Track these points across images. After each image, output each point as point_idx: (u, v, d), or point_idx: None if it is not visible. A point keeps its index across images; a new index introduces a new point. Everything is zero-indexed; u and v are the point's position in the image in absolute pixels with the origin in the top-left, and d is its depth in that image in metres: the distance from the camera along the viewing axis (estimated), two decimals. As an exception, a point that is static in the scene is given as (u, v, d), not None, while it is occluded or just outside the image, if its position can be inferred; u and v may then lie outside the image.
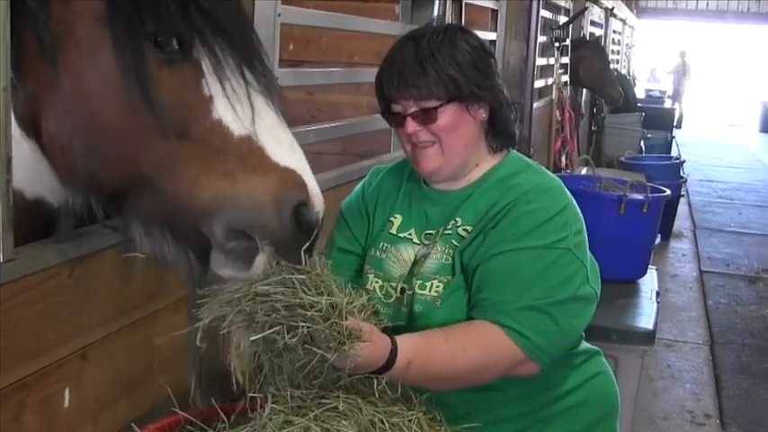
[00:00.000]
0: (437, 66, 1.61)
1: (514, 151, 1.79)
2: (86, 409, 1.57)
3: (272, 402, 1.44)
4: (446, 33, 1.67)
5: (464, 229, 1.67)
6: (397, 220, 1.76)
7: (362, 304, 1.48)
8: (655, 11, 19.76)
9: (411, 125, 1.64)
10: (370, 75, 2.98)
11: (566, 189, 1.72)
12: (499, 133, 1.72)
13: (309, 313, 1.36)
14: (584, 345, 1.80)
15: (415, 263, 1.69)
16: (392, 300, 1.69)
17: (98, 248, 1.56)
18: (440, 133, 1.64)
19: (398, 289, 1.69)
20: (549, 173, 1.78)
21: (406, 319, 1.66)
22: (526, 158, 1.80)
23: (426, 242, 1.71)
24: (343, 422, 1.41)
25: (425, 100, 1.62)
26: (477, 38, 1.72)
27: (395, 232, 1.75)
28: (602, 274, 1.73)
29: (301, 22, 2.33)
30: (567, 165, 6.46)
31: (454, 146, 1.66)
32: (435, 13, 3.06)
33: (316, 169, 1.46)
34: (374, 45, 3.68)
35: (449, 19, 3.18)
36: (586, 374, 1.76)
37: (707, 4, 19.40)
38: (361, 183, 1.88)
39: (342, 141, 3.51)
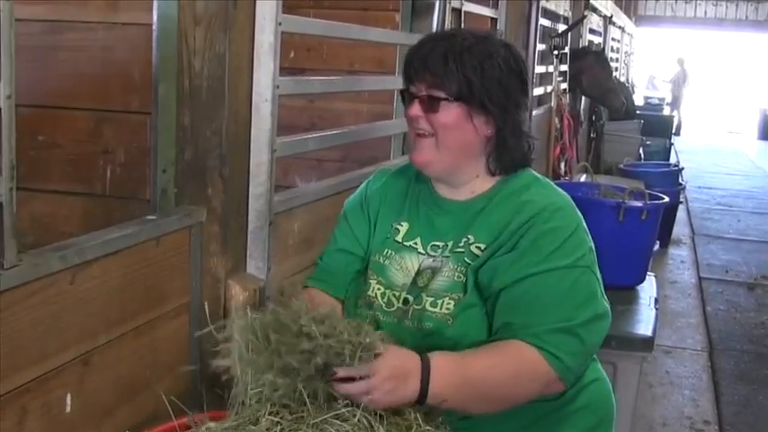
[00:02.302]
0: (460, 63, 1.60)
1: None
2: (88, 415, 1.58)
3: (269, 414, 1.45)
4: (487, 41, 1.66)
5: (477, 247, 1.65)
6: (403, 227, 1.75)
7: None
8: (653, 18, 19.80)
9: (415, 108, 1.64)
10: (369, 83, 3.02)
11: (574, 205, 1.72)
12: (500, 157, 1.69)
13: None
14: None
15: (418, 273, 1.68)
16: (394, 308, 1.68)
17: (100, 255, 1.57)
18: (438, 127, 1.64)
19: (401, 299, 1.68)
20: (558, 188, 1.77)
21: (415, 337, 1.64)
22: (534, 172, 1.78)
23: (432, 253, 1.69)
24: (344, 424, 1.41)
25: (436, 89, 1.62)
26: (519, 61, 1.68)
27: (400, 240, 1.74)
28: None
29: (302, 30, 2.35)
30: (566, 172, 6.47)
31: (448, 145, 1.65)
32: (435, 21, 3.07)
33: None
34: (375, 53, 3.70)
35: (449, 27, 3.19)
36: (585, 381, 1.77)
37: (705, 11, 19.45)
38: (366, 182, 1.87)
39: (343, 148, 3.52)
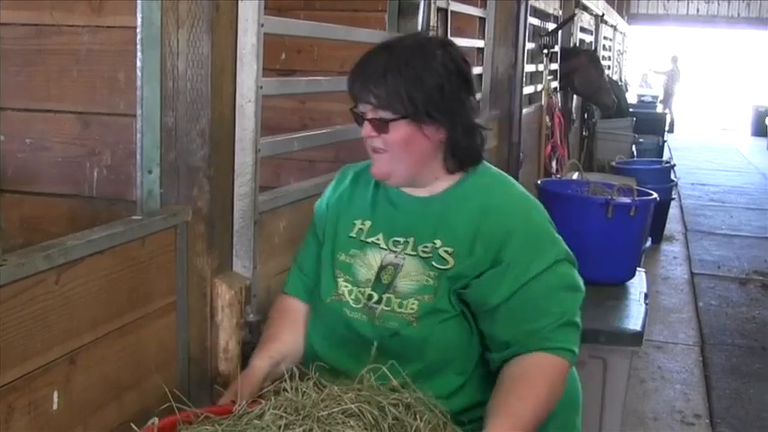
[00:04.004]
0: (400, 80, 1.62)
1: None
2: (75, 413, 1.60)
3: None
4: (424, 48, 1.68)
5: (445, 251, 1.68)
6: (366, 225, 1.78)
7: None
8: (646, 17, 19.82)
9: (367, 129, 1.68)
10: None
11: (531, 195, 1.78)
12: (456, 156, 1.72)
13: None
14: None
15: (381, 268, 1.71)
16: (361, 305, 1.71)
17: (85, 254, 1.59)
18: (390, 145, 1.67)
19: (366, 295, 1.71)
20: (515, 182, 1.81)
21: (382, 336, 1.68)
22: (490, 166, 1.81)
23: (394, 249, 1.72)
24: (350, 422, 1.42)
25: (382, 110, 1.64)
26: (457, 59, 1.70)
27: (363, 238, 1.76)
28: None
29: (284, 31, 2.37)
30: (557, 170, 6.50)
31: (404, 160, 1.68)
32: (420, 21, 3.10)
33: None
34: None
35: (435, 27, 3.22)
36: None
37: (697, 9, 19.48)
38: (332, 183, 1.91)
39: (334, 149, 3.53)
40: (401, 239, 1.73)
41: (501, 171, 1.83)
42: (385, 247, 1.73)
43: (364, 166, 1.85)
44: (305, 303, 1.85)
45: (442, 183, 1.75)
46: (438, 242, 1.69)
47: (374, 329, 1.69)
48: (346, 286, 1.74)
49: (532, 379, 1.61)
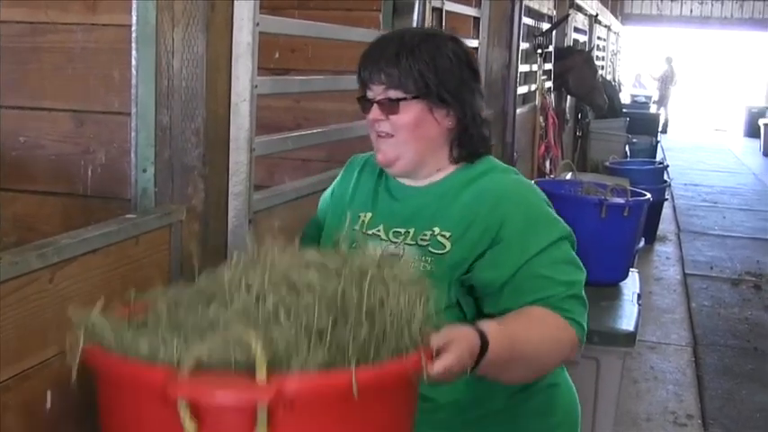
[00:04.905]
0: (412, 60, 1.64)
1: None
2: (68, 412, 1.59)
3: None
4: (434, 37, 1.71)
5: (442, 236, 1.68)
6: (367, 217, 1.78)
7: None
8: (640, 17, 19.88)
9: (375, 112, 1.68)
10: (348, 82, 3.03)
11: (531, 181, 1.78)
12: (463, 146, 1.73)
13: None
14: None
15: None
16: None
17: (79, 253, 1.58)
18: (399, 128, 1.67)
19: None
20: (515, 169, 1.81)
21: None
22: (494, 159, 1.81)
23: (395, 239, 1.72)
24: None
25: (394, 89, 1.65)
26: (465, 51, 1.73)
27: (364, 230, 1.77)
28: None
29: (279, 30, 2.36)
30: (551, 170, 6.50)
31: (411, 144, 1.68)
32: (415, 21, 3.10)
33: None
34: (358, 53, 3.71)
35: (430, 27, 3.22)
36: (541, 384, 1.77)
37: (691, 10, 19.54)
38: (341, 172, 1.92)
39: (328, 148, 3.53)
40: (401, 230, 1.73)
41: (505, 164, 1.84)
42: (385, 238, 1.74)
43: (371, 155, 1.85)
44: None
45: (443, 174, 1.75)
46: (436, 229, 1.69)
47: None
48: None
49: (538, 322, 1.56)
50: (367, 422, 1.23)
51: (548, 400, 1.79)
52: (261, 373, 1.12)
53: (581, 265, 1.68)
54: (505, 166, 1.81)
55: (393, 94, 1.65)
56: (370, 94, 1.69)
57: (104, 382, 1.29)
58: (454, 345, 1.33)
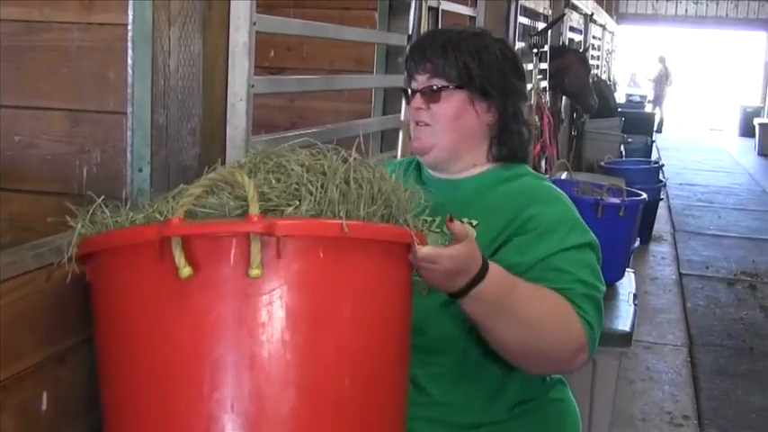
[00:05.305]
0: (458, 51, 1.66)
1: None
2: (64, 413, 1.58)
3: None
4: (482, 35, 1.73)
5: (469, 224, 1.67)
6: None
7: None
8: (635, 16, 19.93)
9: (417, 101, 1.69)
10: (345, 81, 3.03)
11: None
12: (503, 144, 1.73)
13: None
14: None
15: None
16: None
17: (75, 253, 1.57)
18: (438, 117, 1.68)
19: None
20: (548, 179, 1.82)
21: None
22: (528, 168, 1.82)
23: (420, 227, 1.72)
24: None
25: (437, 78, 1.67)
26: (513, 51, 1.75)
27: None
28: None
29: (276, 30, 2.36)
30: (546, 170, 6.50)
31: (447, 133, 1.69)
32: (411, 20, 3.09)
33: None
34: (354, 52, 3.71)
35: (425, 26, 3.21)
36: (544, 398, 1.76)
37: (686, 9, 19.59)
38: None
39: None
40: (428, 218, 1.70)
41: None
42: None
43: (402, 160, 1.87)
44: None
45: (477, 170, 1.75)
46: (464, 220, 1.67)
47: None
48: None
49: (548, 292, 1.53)
50: (356, 287, 1.21)
51: (550, 416, 1.77)
52: (254, 208, 1.12)
53: (602, 278, 1.65)
54: (539, 174, 1.83)
55: (436, 82, 1.67)
56: (414, 85, 1.71)
57: (101, 266, 1.33)
58: (454, 246, 1.34)
